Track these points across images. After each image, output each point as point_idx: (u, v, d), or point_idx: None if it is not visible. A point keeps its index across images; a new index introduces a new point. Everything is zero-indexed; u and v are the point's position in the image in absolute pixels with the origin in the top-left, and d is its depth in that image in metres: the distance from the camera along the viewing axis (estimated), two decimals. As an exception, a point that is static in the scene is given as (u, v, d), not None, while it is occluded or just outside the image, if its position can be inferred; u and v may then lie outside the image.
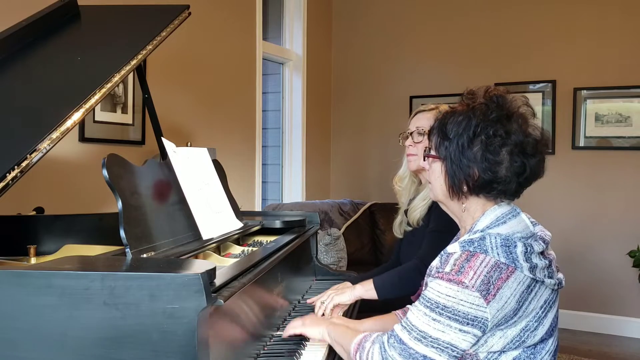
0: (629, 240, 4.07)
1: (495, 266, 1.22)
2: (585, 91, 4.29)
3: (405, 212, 2.13)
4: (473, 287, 1.19)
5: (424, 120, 2.03)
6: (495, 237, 1.25)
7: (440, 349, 1.20)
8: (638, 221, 4.12)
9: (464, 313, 1.19)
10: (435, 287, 1.24)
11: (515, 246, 1.25)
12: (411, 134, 2.06)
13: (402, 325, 1.26)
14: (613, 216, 4.22)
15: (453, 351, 1.21)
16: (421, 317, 1.23)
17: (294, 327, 1.52)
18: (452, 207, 1.40)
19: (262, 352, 1.46)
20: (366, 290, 1.86)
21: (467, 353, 1.27)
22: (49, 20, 1.95)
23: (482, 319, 1.20)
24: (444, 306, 1.21)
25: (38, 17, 1.91)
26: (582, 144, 4.32)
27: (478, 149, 1.28)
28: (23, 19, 1.87)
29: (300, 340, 1.56)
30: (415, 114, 2.10)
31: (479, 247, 1.25)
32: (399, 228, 2.19)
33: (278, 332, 1.62)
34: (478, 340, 1.25)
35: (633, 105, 4.17)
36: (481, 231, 1.29)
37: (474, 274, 1.21)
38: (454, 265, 1.23)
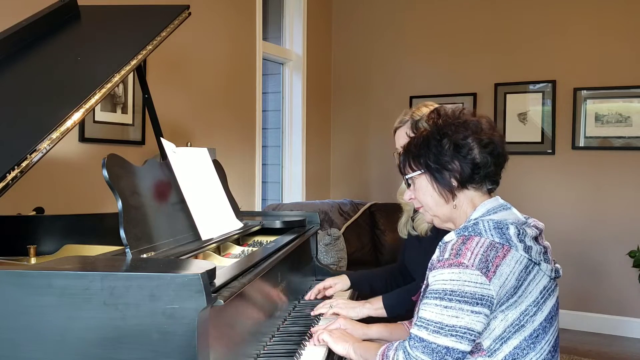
0: (629, 240, 4.07)
1: (491, 246, 1.28)
2: (585, 91, 4.29)
3: (412, 219, 2.10)
4: (473, 266, 1.25)
5: (404, 138, 1.96)
6: (488, 222, 1.32)
7: (459, 335, 1.24)
8: (638, 221, 4.12)
9: (471, 293, 1.24)
10: (438, 277, 1.29)
11: (507, 228, 1.31)
12: (399, 154, 2.01)
13: (417, 325, 1.29)
14: (613, 216, 4.22)
15: (471, 335, 1.25)
16: (433, 309, 1.27)
17: (321, 338, 1.52)
18: (446, 213, 1.43)
19: (262, 352, 1.46)
20: (376, 309, 1.86)
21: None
22: (49, 20, 1.95)
23: (488, 296, 1.24)
24: (451, 291, 1.25)
25: (38, 17, 1.91)
26: (582, 144, 4.32)
27: (448, 146, 1.38)
28: (23, 19, 1.88)
29: (300, 340, 1.56)
30: (395, 132, 2.05)
31: (472, 231, 1.32)
32: (404, 228, 2.15)
33: (278, 332, 1.62)
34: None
35: (633, 105, 4.17)
36: (474, 220, 1.36)
37: (471, 254, 1.27)
38: (452, 250, 1.30)
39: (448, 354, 1.24)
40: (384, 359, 1.34)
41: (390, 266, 2.26)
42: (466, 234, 1.32)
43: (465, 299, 1.24)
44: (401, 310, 1.87)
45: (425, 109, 1.90)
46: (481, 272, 1.24)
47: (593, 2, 4.27)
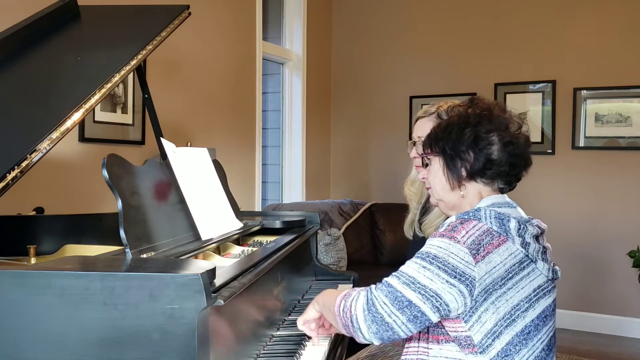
0: (629, 240, 4.07)
1: (487, 232, 1.30)
2: (585, 91, 4.29)
3: (420, 222, 2.08)
4: (464, 243, 1.27)
5: (425, 128, 1.94)
6: (490, 211, 1.34)
7: (426, 296, 1.24)
8: (638, 221, 4.12)
9: (453, 266, 1.25)
10: (429, 242, 1.31)
11: (508, 220, 1.33)
12: (415, 143, 2.00)
13: (392, 274, 1.31)
14: (613, 216, 4.22)
15: (437, 301, 1.24)
16: (412, 265, 1.29)
17: (299, 323, 1.52)
18: (452, 200, 1.45)
19: (262, 352, 1.46)
20: None
21: (462, 336, 1.29)
22: (49, 20, 1.95)
23: (469, 276, 1.25)
24: (435, 256, 1.27)
25: (38, 17, 1.91)
26: (582, 144, 4.32)
27: (469, 135, 1.38)
28: (23, 19, 1.88)
29: (300, 340, 1.56)
30: (416, 121, 2.04)
31: (473, 215, 1.34)
32: (409, 228, 2.13)
33: (278, 332, 1.62)
34: (472, 316, 1.27)
35: (633, 105, 4.17)
36: (477, 208, 1.37)
37: (466, 233, 1.29)
38: (448, 226, 1.33)
39: (409, 307, 1.24)
40: (345, 297, 1.34)
41: None
42: (466, 217, 1.34)
43: (446, 268, 1.25)
44: None
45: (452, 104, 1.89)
46: (470, 252, 1.26)
47: (593, 2, 4.27)
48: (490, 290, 1.27)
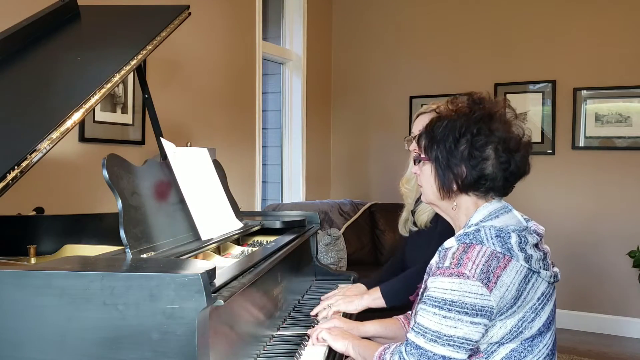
0: (629, 240, 4.07)
1: (492, 255, 1.26)
2: (585, 91, 4.29)
3: (413, 212, 2.10)
4: (474, 276, 1.23)
5: (422, 125, 1.95)
6: (490, 229, 1.30)
7: (457, 345, 1.23)
8: (638, 221, 4.12)
9: (471, 305, 1.22)
10: (438, 285, 1.26)
11: (509, 236, 1.29)
12: (414, 138, 2.00)
13: (415, 331, 1.28)
14: (613, 216, 4.22)
15: (468, 345, 1.24)
16: (431, 318, 1.25)
17: (321, 336, 1.51)
18: (444, 208, 1.44)
19: (262, 352, 1.46)
20: (374, 299, 1.85)
21: None
22: (49, 20, 1.95)
23: (488, 307, 1.23)
24: (451, 301, 1.23)
25: (38, 17, 1.91)
26: (582, 144, 4.32)
27: (464, 147, 1.33)
28: (23, 19, 1.88)
29: (300, 340, 1.56)
30: (417, 117, 2.05)
31: (474, 238, 1.29)
32: (404, 226, 2.15)
33: (278, 332, 1.62)
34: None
35: (633, 105, 4.17)
36: (475, 225, 1.33)
37: (472, 264, 1.24)
38: (452, 258, 1.27)
39: None
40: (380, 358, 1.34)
41: (388, 265, 2.26)
42: (467, 241, 1.29)
43: (465, 309, 1.22)
44: (400, 298, 1.85)
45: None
46: (482, 283, 1.22)
47: (593, 2, 4.27)
48: (503, 311, 1.26)
